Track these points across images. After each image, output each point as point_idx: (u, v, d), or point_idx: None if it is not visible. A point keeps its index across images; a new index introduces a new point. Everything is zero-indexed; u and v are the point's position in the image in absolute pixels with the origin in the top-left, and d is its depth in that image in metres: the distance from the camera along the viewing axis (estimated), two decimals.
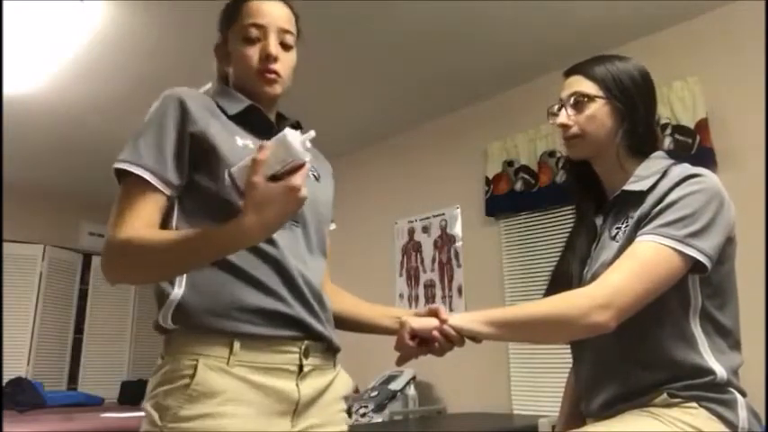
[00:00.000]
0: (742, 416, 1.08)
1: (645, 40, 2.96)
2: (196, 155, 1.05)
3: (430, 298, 3.79)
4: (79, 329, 5.42)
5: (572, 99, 1.26)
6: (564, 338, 1.25)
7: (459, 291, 3.62)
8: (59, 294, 5.31)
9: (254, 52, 1.12)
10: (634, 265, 1.07)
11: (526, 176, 3.32)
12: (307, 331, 1.05)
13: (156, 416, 0.95)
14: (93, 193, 5.34)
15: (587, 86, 1.25)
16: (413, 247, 3.98)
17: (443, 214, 3.83)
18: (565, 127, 1.26)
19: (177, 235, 0.98)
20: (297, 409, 1.02)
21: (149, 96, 1.12)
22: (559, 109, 1.29)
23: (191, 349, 0.97)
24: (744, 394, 1.12)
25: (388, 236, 4.13)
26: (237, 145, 1.07)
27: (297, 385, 1.02)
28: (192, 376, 0.95)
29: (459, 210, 3.75)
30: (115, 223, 0.99)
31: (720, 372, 1.09)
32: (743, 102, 2.62)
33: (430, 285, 3.81)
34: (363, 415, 3.16)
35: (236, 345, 0.98)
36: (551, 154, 3.22)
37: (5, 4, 2.64)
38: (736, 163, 2.57)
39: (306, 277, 1.06)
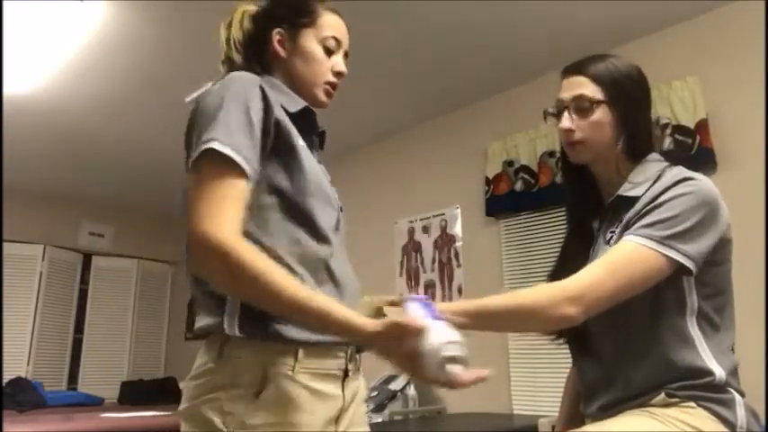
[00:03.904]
0: (740, 415, 1.08)
1: (645, 40, 2.95)
2: (274, 146, 1.01)
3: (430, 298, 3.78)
4: (79, 329, 5.42)
5: (575, 103, 1.21)
6: (534, 328, 1.27)
7: (460, 291, 3.62)
8: (59, 294, 5.31)
9: (329, 63, 1.17)
10: (610, 263, 1.09)
11: (526, 176, 3.32)
12: None
13: (218, 420, 0.93)
14: (93, 193, 5.36)
15: (592, 90, 1.20)
16: (413, 247, 3.98)
17: (443, 214, 3.83)
18: (568, 132, 1.22)
19: (296, 294, 0.90)
20: (340, 414, 1.03)
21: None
22: (560, 111, 1.24)
23: (256, 356, 0.96)
24: (742, 394, 1.11)
25: (388, 236, 4.13)
26: (300, 144, 1.06)
27: (342, 390, 1.03)
28: (261, 384, 0.94)
29: (459, 210, 3.74)
30: (208, 214, 0.90)
31: (719, 372, 1.09)
32: (743, 102, 2.61)
33: (430, 285, 3.81)
34: None
35: (301, 352, 0.97)
36: (551, 154, 3.22)
37: (5, 4, 2.65)
38: (736, 163, 2.56)
39: (354, 282, 1.09)
